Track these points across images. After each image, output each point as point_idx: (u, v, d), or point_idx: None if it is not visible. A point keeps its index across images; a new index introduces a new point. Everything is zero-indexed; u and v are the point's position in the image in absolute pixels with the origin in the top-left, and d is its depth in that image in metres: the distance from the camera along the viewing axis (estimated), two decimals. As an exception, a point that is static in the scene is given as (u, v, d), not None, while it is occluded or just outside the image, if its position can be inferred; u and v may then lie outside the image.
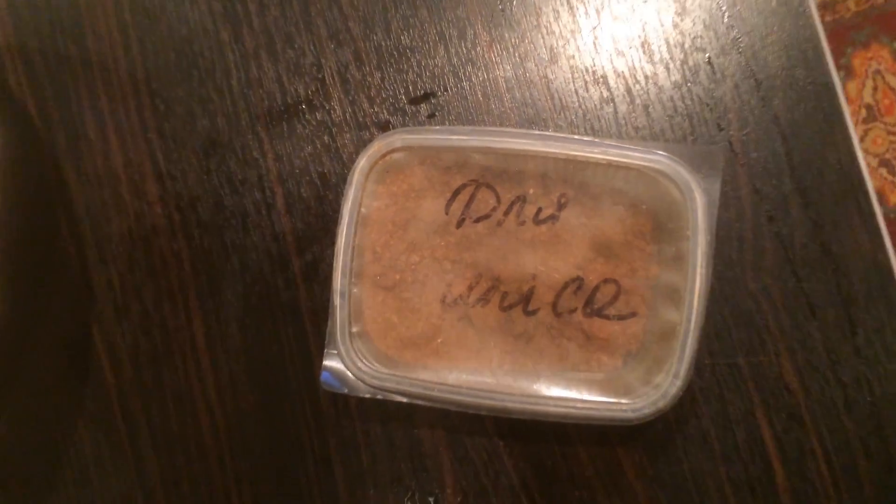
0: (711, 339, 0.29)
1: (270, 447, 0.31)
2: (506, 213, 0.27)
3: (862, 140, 1.21)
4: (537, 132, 0.26)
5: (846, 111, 0.29)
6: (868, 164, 1.18)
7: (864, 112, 1.22)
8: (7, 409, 0.31)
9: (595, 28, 0.30)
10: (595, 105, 0.30)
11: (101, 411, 0.31)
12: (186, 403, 0.31)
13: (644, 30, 0.30)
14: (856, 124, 1.21)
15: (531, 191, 0.27)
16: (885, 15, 1.23)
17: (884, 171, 1.22)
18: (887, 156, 1.23)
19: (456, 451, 0.30)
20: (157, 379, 0.31)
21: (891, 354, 0.29)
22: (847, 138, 0.30)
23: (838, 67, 1.21)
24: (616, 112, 0.29)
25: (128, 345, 0.31)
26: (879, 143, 1.21)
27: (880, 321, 0.29)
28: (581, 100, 0.30)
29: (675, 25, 0.30)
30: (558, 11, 0.30)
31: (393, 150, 0.27)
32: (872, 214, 0.29)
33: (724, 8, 0.30)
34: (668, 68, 0.30)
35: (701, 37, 0.30)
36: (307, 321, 0.31)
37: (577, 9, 0.30)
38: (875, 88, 1.22)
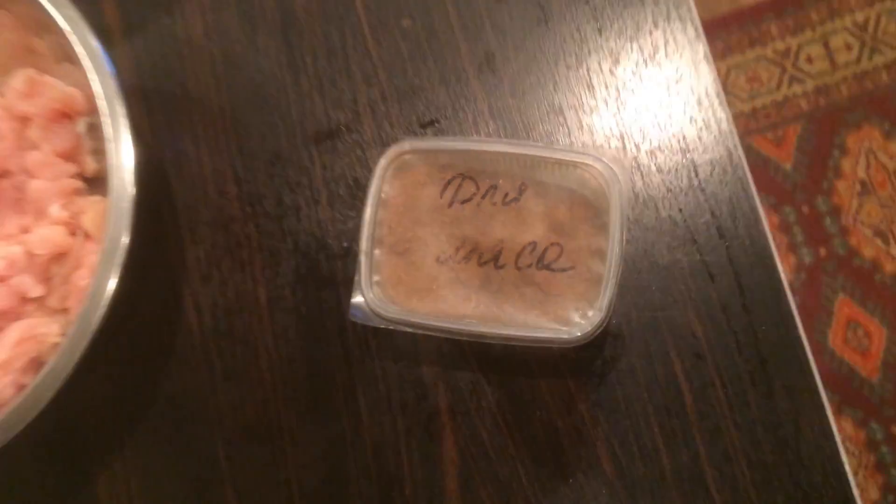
0: (637, 296, 0.39)
1: (310, 380, 0.41)
2: (483, 197, 0.38)
3: (857, 213, 1.30)
4: (506, 140, 0.38)
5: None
6: (864, 235, 1.27)
7: (858, 187, 1.32)
8: (114, 353, 0.43)
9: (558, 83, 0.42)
10: (552, 129, 0.41)
11: (186, 352, 0.42)
12: (250, 346, 0.42)
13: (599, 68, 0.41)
14: (851, 198, 1.31)
15: (500, 181, 0.38)
16: (875, 99, 1.34)
17: (878, 240, 1.31)
18: (881, 227, 1.32)
19: (448, 382, 0.40)
20: (230, 328, 0.42)
21: (769, 309, 0.39)
22: (741, 158, 0.41)
23: (833, 146, 1.32)
24: (569, 133, 0.41)
25: (208, 303, 0.42)
26: (874, 214, 1.31)
27: (761, 285, 0.39)
28: (543, 126, 0.41)
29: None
30: (530, 65, 0.42)
31: (404, 153, 0.38)
32: (753, 201, 0.40)
33: (645, 61, 0.41)
34: (606, 103, 0.41)
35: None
36: (340, 286, 0.42)
37: (549, 66, 0.42)
38: (868, 165, 1.32)
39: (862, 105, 1.36)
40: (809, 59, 1.36)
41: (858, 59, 1.36)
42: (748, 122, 1.34)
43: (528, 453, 0.39)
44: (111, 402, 0.42)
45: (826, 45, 1.37)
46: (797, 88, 1.35)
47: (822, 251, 1.30)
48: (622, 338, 0.39)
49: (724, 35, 1.35)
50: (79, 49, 0.37)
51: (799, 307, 1.34)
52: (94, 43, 0.37)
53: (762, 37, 1.35)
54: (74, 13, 0.37)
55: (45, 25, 0.38)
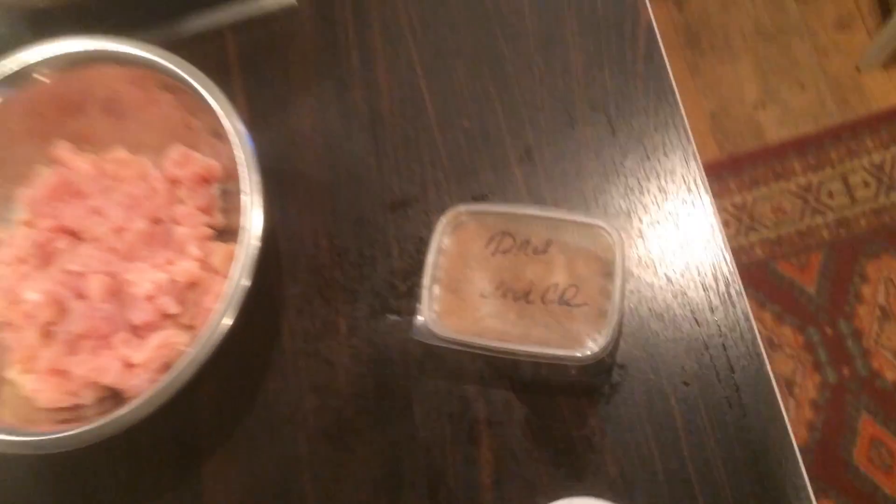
0: (638, 335, 0.50)
1: (377, 393, 0.52)
2: (518, 249, 0.50)
3: (878, 336, 1.38)
4: (537, 206, 0.50)
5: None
6: (885, 358, 1.35)
7: (878, 312, 1.41)
8: (225, 364, 0.54)
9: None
10: (574, 203, 0.53)
11: (281, 368, 0.54)
12: (331, 365, 0.53)
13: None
14: (872, 322, 1.39)
15: (532, 238, 0.50)
16: (892, 232, 1.45)
17: (899, 362, 1.38)
18: (901, 349, 1.39)
19: (486, 397, 0.51)
20: (316, 350, 0.54)
21: (744, 346, 0.49)
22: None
23: (854, 273, 1.41)
24: (587, 206, 0.53)
25: (300, 330, 0.54)
26: (893, 338, 1.38)
27: (737, 327, 0.49)
28: (567, 200, 0.53)
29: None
30: (559, 157, 0.55)
31: (460, 214, 0.51)
32: (731, 265, 0.51)
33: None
34: (616, 186, 0.53)
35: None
36: (404, 319, 0.53)
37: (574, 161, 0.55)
38: (887, 293, 1.41)
39: (880, 237, 1.46)
40: (830, 194, 1.48)
41: (876, 196, 1.47)
42: (774, 248, 1.45)
43: (548, 457, 0.49)
44: (221, 403, 0.53)
45: (845, 181, 1.49)
46: (819, 220, 1.46)
47: (846, 371, 1.37)
48: (626, 367, 0.50)
49: (750, 169, 1.48)
50: (228, 128, 0.50)
51: (824, 423, 1.40)
52: (240, 125, 0.51)
53: (786, 172, 1.48)
54: (225, 100, 0.51)
55: (202, 107, 0.51)
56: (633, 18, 0.57)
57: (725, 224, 1.45)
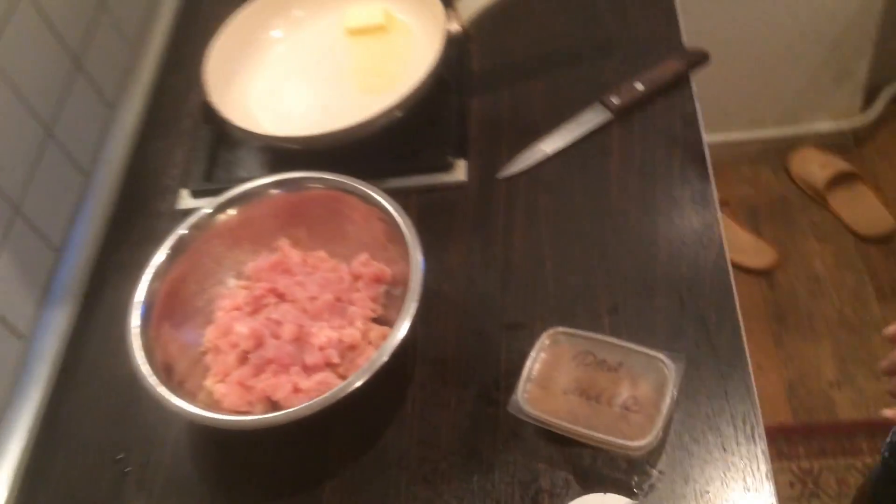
0: (678, 441, 0.65)
1: (469, 454, 0.68)
2: (597, 365, 0.67)
3: None
4: (615, 338, 0.68)
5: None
6: None
7: None
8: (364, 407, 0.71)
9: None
10: (642, 342, 0.71)
11: (401, 424, 0.70)
12: (439, 430, 0.70)
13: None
14: None
15: (607, 358, 0.67)
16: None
17: None
18: None
19: (551, 475, 0.66)
20: (431, 418, 0.70)
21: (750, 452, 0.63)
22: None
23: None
24: (651, 345, 0.70)
25: (419, 402, 0.71)
26: None
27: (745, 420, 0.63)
28: (638, 341, 0.71)
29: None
30: (635, 316, 0.73)
31: (556, 333, 0.69)
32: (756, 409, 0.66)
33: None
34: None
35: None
36: (501, 403, 0.70)
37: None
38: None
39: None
40: None
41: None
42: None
43: (592, 529, 0.63)
44: (347, 440, 0.70)
45: (913, 474, 1.55)
46: (884, 502, 1.51)
47: None
48: (665, 459, 0.64)
49: (820, 439, 1.57)
50: (413, 255, 0.71)
51: None
52: (419, 255, 0.71)
53: (854, 450, 1.56)
54: (415, 237, 0.72)
55: (399, 238, 0.72)
56: (715, 279, 0.77)
57: (790, 485, 1.52)
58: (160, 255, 0.75)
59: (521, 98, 0.93)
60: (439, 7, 0.91)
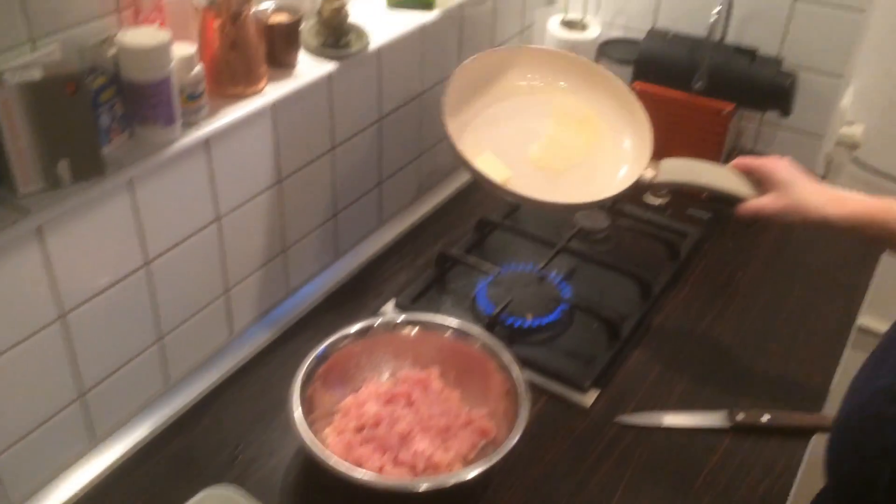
0: None
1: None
2: None
3: None
4: None
5: None
6: None
7: None
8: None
9: None
10: None
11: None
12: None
13: None
14: None
15: None
16: None
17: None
18: None
19: None
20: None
21: None
22: None
23: None
24: None
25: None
26: None
27: None
28: None
29: None
30: None
31: None
32: None
33: None
34: None
35: None
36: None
37: None
38: None
39: None
40: None
41: None
42: None
43: None
44: None
45: None
46: None
47: None
48: None
49: None
50: (517, 425, 0.89)
51: None
52: (515, 439, 0.89)
53: None
54: (526, 414, 0.91)
55: (515, 408, 0.92)
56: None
57: None
58: (348, 330, 1.00)
59: (672, 371, 1.10)
60: (648, 149, 1.07)
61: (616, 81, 1.15)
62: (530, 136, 1.14)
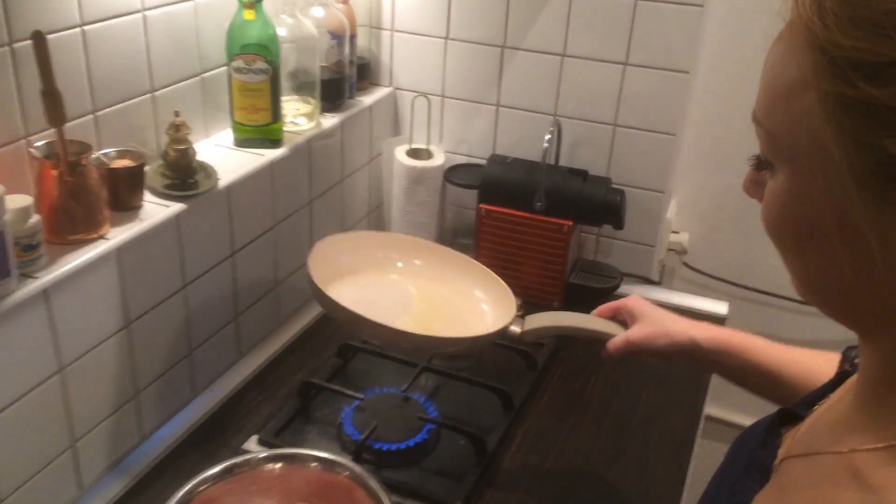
0: None
1: None
2: None
3: None
4: None
5: None
6: None
7: None
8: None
9: None
10: None
11: None
12: None
13: None
14: None
15: None
16: None
17: None
18: None
19: None
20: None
21: None
22: None
23: None
24: None
25: None
26: None
27: None
28: None
29: None
30: None
31: None
32: None
33: None
34: None
35: None
36: None
37: None
38: None
39: None
40: None
41: None
42: None
43: None
44: None
45: None
46: None
47: None
48: None
49: None
50: None
51: None
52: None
53: None
54: None
55: None
56: None
57: None
58: (207, 472, 0.96)
59: (538, 485, 1.12)
60: (512, 307, 1.12)
61: (463, 257, 1.24)
62: (398, 308, 1.18)
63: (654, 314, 1.00)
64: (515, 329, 1.08)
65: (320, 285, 1.07)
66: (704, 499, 0.76)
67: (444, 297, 1.21)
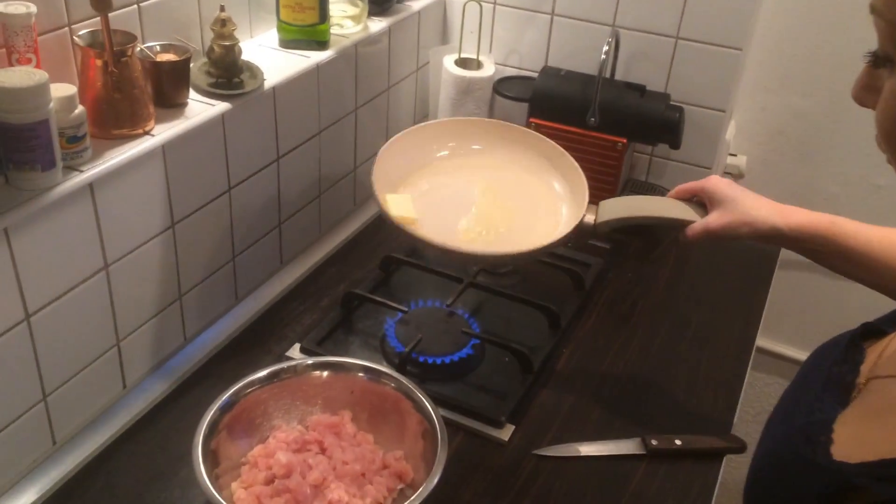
0: None
1: None
2: None
3: None
4: None
5: None
6: None
7: None
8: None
9: None
10: None
11: None
12: None
13: None
14: None
15: None
16: None
17: None
18: None
19: None
20: None
21: None
22: None
23: None
24: None
25: None
26: None
27: None
28: None
29: None
30: None
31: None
32: None
33: None
34: None
35: None
36: None
37: None
38: None
39: None
40: None
41: None
42: None
43: None
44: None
45: None
46: None
47: None
48: None
49: None
50: (436, 465, 0.87)
51: None
52: (435, 479, 0.86)
53: None
54: (444, 454, 0.88)
55: (433, 447, 0.89)
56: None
57: None
58: (254, 375, 0.95)
59: (584, 402, 1.09)
60: (583, 191, 1.07)
61: (531, 134, 1.18)
62: (459, 209, 1.12)
63: (735, 198, 0.92)
64: (589, 217, 1.02)
65: (380, 192, 1.04)
66: (776, 417, 0.72)
67: (510, 190, 1.15)
